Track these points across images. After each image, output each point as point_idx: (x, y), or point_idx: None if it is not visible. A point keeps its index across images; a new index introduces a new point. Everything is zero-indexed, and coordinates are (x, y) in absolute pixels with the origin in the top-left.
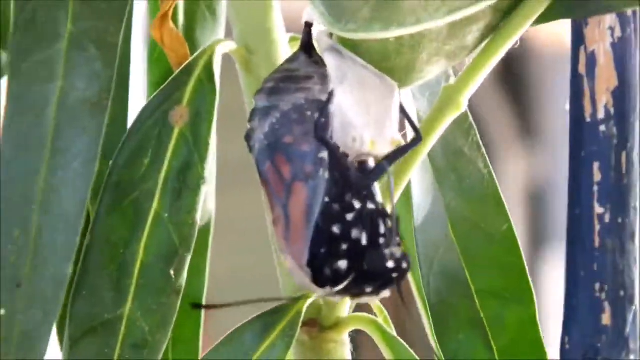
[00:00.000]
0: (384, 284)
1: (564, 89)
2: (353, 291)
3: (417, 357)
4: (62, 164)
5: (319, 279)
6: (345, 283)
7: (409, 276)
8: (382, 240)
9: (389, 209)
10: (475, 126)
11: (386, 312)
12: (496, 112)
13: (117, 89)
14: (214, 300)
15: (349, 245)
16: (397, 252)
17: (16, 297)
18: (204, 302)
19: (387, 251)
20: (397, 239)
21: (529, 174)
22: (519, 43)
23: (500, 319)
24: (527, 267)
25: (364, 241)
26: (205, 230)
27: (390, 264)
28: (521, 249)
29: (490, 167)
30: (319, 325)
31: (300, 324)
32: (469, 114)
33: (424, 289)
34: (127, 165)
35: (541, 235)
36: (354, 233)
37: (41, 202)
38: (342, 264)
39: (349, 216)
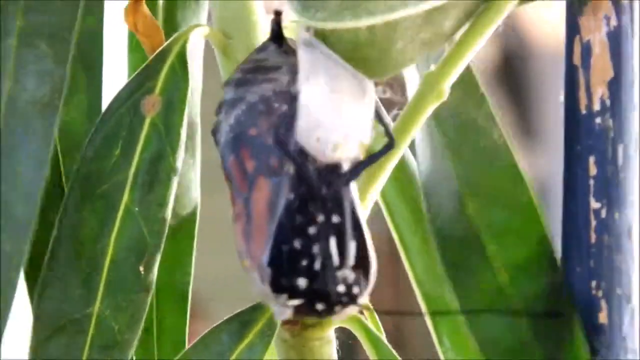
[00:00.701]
0: (334, 307)
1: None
2: (304, 309)
3: (399, 357)
4: (10, 168)
5: (277, 284)
6: (299, 300)
7: (408, 269)
8: (337, 261)
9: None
10: (488, 97)
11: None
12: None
13: (92, 77)
14: (200, 298)
15: (307, 261)
16: (351, 276)
17: None
18: (189, 295)
19: (338, 274)
20: (355, 258)
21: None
22: (501, 27)
23: (525, 292)
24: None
25: (319, 260)
26: (190, 220)
27: (342, 289)
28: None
29: (506, 137)
30: (300, 322)
31: (279, 323)
32: (479, 84)
33: (444, 270)
34: (97, 156)
35: None
36: (314, 249)
37: None
38: (301, 281)
39: (311, 229)
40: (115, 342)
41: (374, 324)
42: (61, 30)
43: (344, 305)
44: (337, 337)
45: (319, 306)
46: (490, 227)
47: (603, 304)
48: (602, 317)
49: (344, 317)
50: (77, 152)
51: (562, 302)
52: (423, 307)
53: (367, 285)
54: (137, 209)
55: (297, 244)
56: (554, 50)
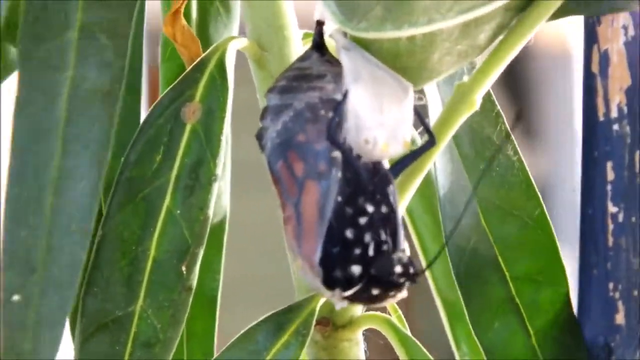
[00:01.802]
0: (393, 289)
1: (565, 88)
2: (362, 296)
3: (430, 356)
4: (74, 152)
5: (330, 280)
6: (355, 287)
7: (429, 276)
8: (390, 246)
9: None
10: (502, 114)
11: (400, 311)
12: None
13: (130, 84)
14: (228, 300)
15: (360, 249)
16: (405, 257)
17: (31, 283)
18: (219, 300)
19: (394, 256)
20: (404, 244)
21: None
22: (533, 40)
23: (535, 303)
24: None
25: (374, 246)
26: (219, 227)
27: (398, 269)
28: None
29: (520, 154)
30: (332, 324)
31: (313, 323)
32: (496, 102)
33: (456, 280)
34: (139, 161)
35: None
36: (366, 237)
37: (54, 189)
38: (355, 268)
39: (362, 220)
40: (157, 340)
41: (401, 324)
42: (120, 25)
43: (403, 284)
44: (365, 339)
45: (377, 291)
46: (503, 240)
47: (620, 305)
48: (619, 318)
49: (400, 298)
50: (116, 158)
51: (571, 314)
52: (442, 312)
53: (419, 267)
54: (178, 211)
55: (349, 234)
56: (554, 50)
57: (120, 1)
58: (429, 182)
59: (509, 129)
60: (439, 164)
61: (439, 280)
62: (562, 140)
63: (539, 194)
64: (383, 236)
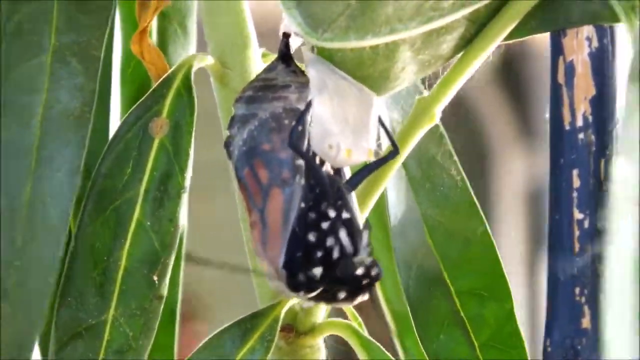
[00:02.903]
0: (355, 290)
1: None
2: (326, 297)
3: (392, 357)
4: (47, 175)
5: (293, 283)
6: (318, 289)
7: (378, 287)
8: (352, 249)
9: (362, 217)
10: (446, 135)
11: (360, 318)
12: (496, 113)
13: (99, 101)
14: (190, 309)
15: (323, 252)
16: (367, 259)
17: (1, 307)
18: (178, 313)
19: (357, 259)
20: (368, 247)
21: (529, 174)
22: (491, 57)
23: (479, 317)
24: (503, 266)
25: (337, 249)
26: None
27: (360, 271)
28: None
29: (463, 174)
30: (295, 330)
31: (278, 329)
32: (440, 123)
33: (404, 293)
34: (109, 174)
35: (541, 235)
36: (328, 241)
37: (27, 212)
38: (317, 270)
39: (324, 224)
40: (129, 347)
41: (361, 329)
42: (91, 47)
43: (366, 286)
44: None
45: (341, 293)
46: (448, 256)
47: (586, 309)
48: (586, 322)
49: (364, 299)
50: (86, 171)
51: (516, 329)
52: (391, 324)
53: (381, 270)
54: (148, 223)
55: (312, 238)
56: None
57: (91, 24)
58: (381, 196)
59: (452, 149)
60: (389, 181)
61: (389, 292)
62: None
63: (482, 213)
64: (345, 240)
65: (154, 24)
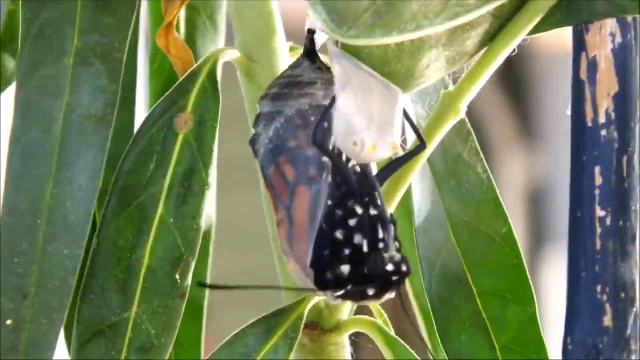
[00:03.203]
0: (385, 287)
1: (564, 90)
2: (355, 294)
3: (418, 357)
4: (67, 178)
5: (321, 282)
6: (347, 287)
7: (407, 281)
8: (382, 245)
9: (389, 214)
10: (473, 132)
11: (385, 315)
12: (496, 112)
13: (123, 100)
14: (215, 305)
15: (351, 249)
16: (397, 256)
17: (23, 307)
18: (205, 309)
19: (387, 255)
20: (397, 243)
21: (529, 174)
22: (516, 50)
23: (502, 319)
24: (527, 267)
25: (365, 246)
26: (206, 235)
27: (390, 268)
28: (521, 249)
29: (489, 171)
30: (319, 328)
31: (302, 327)
32: (467, 120)
33: (426, 292)
34: (133, 170)
35: (541, 235)
36: (356, 238)
37: (48, 215)
38: (345, 268)
39: (352, 221)
40: (152, 345)
41: (386, 326)
42: (113, 49)
43: (395, 283)
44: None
45: (370, 290)
46: (471, 255)
47: (608, 307)
48: (607, 321)
49: (392, 296)
50: (110, 167)
51: (538, 334)
52: (419, 318)
53: (410, 266)
54: (171, 220)
55: (339, 235)
56: (555, 51)
57: (114, 25)
58: (408, 190)
59: (478, 147)
60: (414, 177)
61: (417, 287)
62: (561, 140)
63: (507, 212)
64: (373, 236)
65: (182, 17)
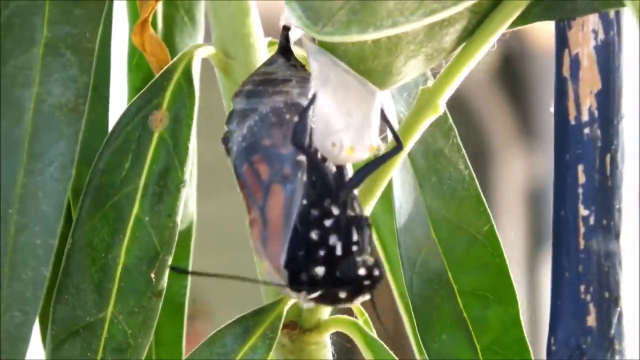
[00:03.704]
0: (357, 290)
1: None
2: (327, 297)
3: (396, 357)
4: (39, 169)
5: (295, 283)
6: (320, 289)
7: (390, 280)
8: (355, 248)
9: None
10: (454, 127)
11: (367, 314)
12: (496, 112)
13: (97, 94)
14: (196, 305)
15: (325, 251)
16: (370, 259)
17: None
18: (186, 307)
19: (359, 259)
20: (370, 246)
21: (529, 174)
22: (495, 46)
23: (483, 319)
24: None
25: (339, 248)
26: (186, 233)
27: (362, 272)
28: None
29: (471, 168)
30: (299, 327)
31: (280, 327)
32: (449, 115)
33: (407, 290)
34: (108, 169)
35: (541, 235)
36: (331, 239)
37: (19, 205)
38: (319, 269)
39: (327, 222)
40: (128, 345)
41: (367, 327)
42: (84, 40)
43: (367, 287)
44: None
45: (342, 293)
46: (452, 253)
47: (592, 307)
48: (591, 320)
49: (364, 299)
50: (85, 165)
51: (521, 335)
52: (404, 316)
53: (383, 270)
54: (147, 218)
55: (314, 236)
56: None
57: (85, 16)
58: (390, 184)
59: (460, 142)
60: (395, 174)
61: (400, 285)
62: None
63: (489, 210)
64: (348, 238)
65: (159, 13)
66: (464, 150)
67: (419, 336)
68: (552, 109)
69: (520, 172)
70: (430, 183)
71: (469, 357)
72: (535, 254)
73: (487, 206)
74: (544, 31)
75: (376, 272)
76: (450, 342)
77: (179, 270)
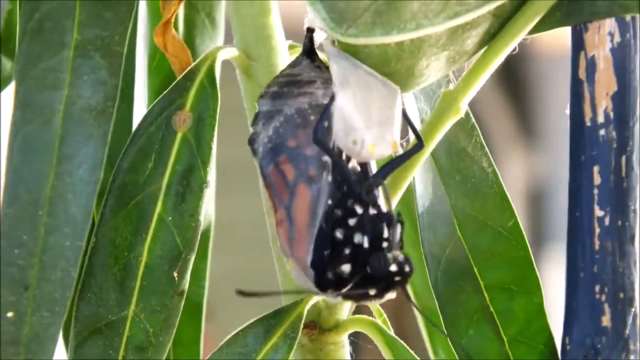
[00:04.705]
0: (387, 287)
1: (564, 89)
2: (356, 294)
3: (417, 357)
4: (68, 171)
5: (322, 282)
6: (347, 286)
7: (409, 285)
8: (384, 244)
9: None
10: (477, 126)
11: (385, 315)
12: (496, 112)
13: (122, 95)
14: (215, 304)
15: (351, 249)
16: (400, 255)
17: (24, 299)
18: (204, 308)
19: (389, 255)
20: (399, 242)
21: (529, 174)
22: (517, 49)
23: (509, 311)
24: (533, 260)
25: (367, 245)
26: (205, 234)
27: (393, 268)
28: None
29: (495, 165)
30: (319, 327)
31: (301, 326)
32: (471, 114)
33: (432, 288)
34: (131, 168)
35: (541, 235)
36: (357, 237)
37: (48, 207)
38: (345, 267)
39: (352, 221)
40: (149, 343)
41: (386, 327)
42: (113, 43)
43: (398, 283)
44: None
45: (372, 290)
46: (477, 249)
47: (606, 307)
48: (606, 321)
49: (394, 295)
50: (109, 165)
51: (545, 324)
52: (420, 319)
53: (413, 266)
54: (170, 218)
55: (339, 235)
56: (554, 51)
57: (114, 19)
58: (409, 189)
59: (483, 141)
60: (417, 173)
61: (418, 287)
62: (561, 140)
63: (512, 205)
64: (376, 235)
65: (180, 15)
66: (487, 149)
67: (445, 334)
68: (567, 111)
69: (521, 172)
70: (454, 182)
71: (496, 350)
72: (536, 254)
73: (511, 202)
74: (545, 33)
75: (407, 268)
76: (477, 336)
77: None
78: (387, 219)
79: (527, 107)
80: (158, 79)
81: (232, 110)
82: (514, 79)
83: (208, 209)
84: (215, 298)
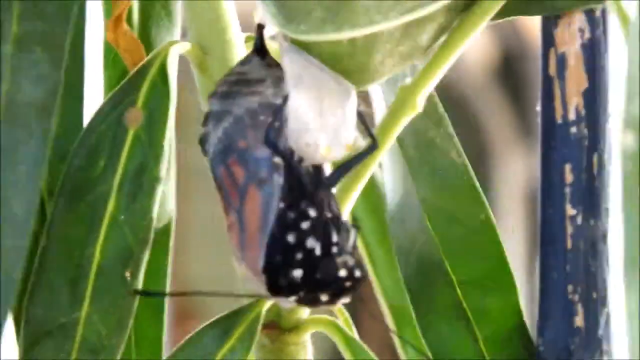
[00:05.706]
0: (338, 292)
1: None
2: (308, 299)
3: (376, 358)
4: (9, 168)
5: (274, 287)
6: (299, 292)
7: (374, 280)
8: (335, 249)
9: (344, 216)
10: (446, 117)
11: (347, 314)
12: (496, 112)
13: (71, 91)
14: (188, 308)
15: (303, 254)
16: (350, 260)
17: None
18: (166, 307)
19: (339, 260)
20: (351, 247)
21: (529, 174)
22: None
23: (483, 308)
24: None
25: (318, 250)
26: (165, 232)
27: (343, 273)
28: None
29: (464, 156)
30: (278, 327)
31: (259, 327)
32: (439, 104)
33: (403, 283)
34: (83, 166)
35: None
36: (309, 242)
37: None
38: (297, 272)
39: (304, 224)
40: (102, 346)
41: (347, 326)
42: (55, 36)
43: (348, 288)
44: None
45: (323, 296)
46: (448, 243)
47: (579, 307)
48: (579, 321)
49: (347, 300)
50: (59, 163)
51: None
52: (388, 317)
53: (366, 271)
54: (122, 217)
55: (291, 239)
56: None
57: (55, 11)
58: (373, 186)
59: (452, 131)
60: (385, 166)
61: (386, 284)
62: None
63: (484, 198)
64: (326, 240)
65: (135, 7)
66: (456, 139)
67: (417, 331)
68: (538, 108)
69: (521, 172)
70: (422, 174)
71: (470, 348)
72: (535, 254)
73: (482, 194)
74: None
75: (357, 273)
76: (450, 334)
77: (150, 294)
78: (339, 222)
79: (527, 107)
80: (114, 75)
81: (197, 109)
82: (514, 79)
83: (168, 206)
84: (202, 299)
